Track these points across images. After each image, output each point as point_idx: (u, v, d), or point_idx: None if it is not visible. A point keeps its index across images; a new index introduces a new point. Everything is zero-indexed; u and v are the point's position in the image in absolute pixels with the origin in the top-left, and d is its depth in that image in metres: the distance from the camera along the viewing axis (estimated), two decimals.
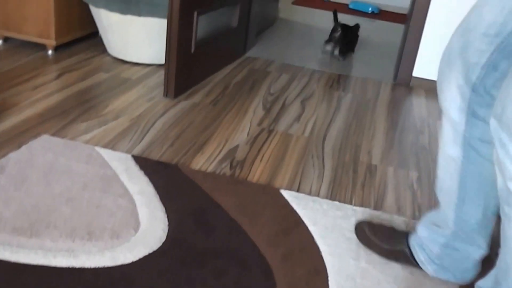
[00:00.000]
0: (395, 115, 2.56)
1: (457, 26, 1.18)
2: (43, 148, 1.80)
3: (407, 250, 1.41)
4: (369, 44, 3.82)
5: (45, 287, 1.20)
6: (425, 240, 1.38)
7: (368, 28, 4.31)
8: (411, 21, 2.88)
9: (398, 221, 1.64)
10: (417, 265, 1.40)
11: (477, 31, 1.10)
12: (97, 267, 1.28)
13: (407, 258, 1.41)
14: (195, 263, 1.34)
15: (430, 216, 1.41)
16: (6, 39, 2.91)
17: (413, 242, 1.41)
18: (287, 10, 4.66)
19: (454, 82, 1.16)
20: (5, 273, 1.22)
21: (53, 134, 1.93)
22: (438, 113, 2.66)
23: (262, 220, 1.56)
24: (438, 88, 1.24)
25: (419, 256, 1.39)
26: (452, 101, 1.18)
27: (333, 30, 3.37)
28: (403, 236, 1.46)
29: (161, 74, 2.70)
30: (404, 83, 3.00)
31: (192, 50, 2.48)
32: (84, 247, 1.34)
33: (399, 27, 4.36)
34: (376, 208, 1.72)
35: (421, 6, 2.83)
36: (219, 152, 1.97)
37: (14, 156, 1.73)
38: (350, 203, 1.73)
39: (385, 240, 1.44)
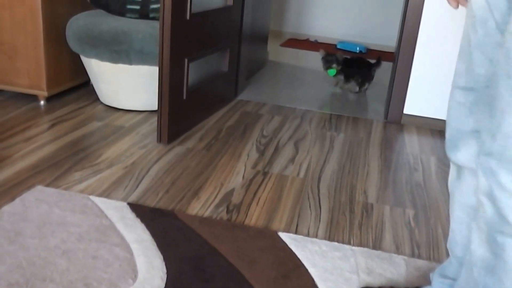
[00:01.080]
0: (388, 153, 2.58)
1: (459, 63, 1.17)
2: (37, 200, 1.79)
3: None
4: None
5: None
6: None
7: None
8: (399, 59, 2.94)
9: (397, 260, 1.63)
10: None
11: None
12: None
13: None
14: None
15: (441, 270, 1.33)
16: None
17: None
18: (276, 52, 4.74)
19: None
20: None
21: (47, 185, 1.92)
22: (431, 149, 2.68)
23: (261, 264, 1.55)
24: (450, 144, 1.22)
25: None
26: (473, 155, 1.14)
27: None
28: None
29: (153, 121, 2.72)
30: (395, 120, 3.04)
31: (184, 96, 2.50)
32: None
33: (388, 65, 4.45)
34: (374, 247, 1.71)
35: (408, 43, 2.90)
36: (215, 197, 1.97)
37: (7, 209, 1.71)
38: (349, 243, 1.72)
39: None
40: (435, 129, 2.96)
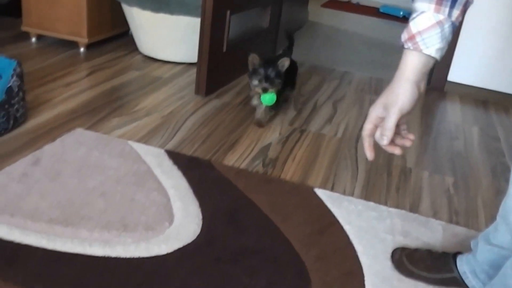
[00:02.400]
0: (429, 120, 2.51)
1: None
2: (77, 142, 1.81)
3: (457, 276, 1.29)
4: (399, 49, 3.77)
5: (81, 274, 1.19)
6: (482, 264, 1.25)
7: (398, 33, 4.26)
8: None
9: (435, 225, 1.60)
10: None
11: None
12: (132, 257, 1.27)
13: (459, 285, 1.29)
14: (228, 260, 1.32)
15: (486, 237, 1.25)
16: (39, 37, 2.95)
17: (465, 268, 1.29)
18: (316, 12, 4.63)
19: None
20: (43, 260, 1.22)
21: (86, 129, 1.94)
22: (474, 119, 2.60)
23: (296, 218, 1.54)
24: None
25: (472, 282, 1.27)
26: None
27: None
28: (448, 261, 1.33)
29: (191, 73, 2.70)
30: (438, 87, 2.95)
31: (224, 49, 2.47)
32: (119, 238, 1.33)
33: None
34: (411, 211, 1.68)
35: None
36: (251, 151, 1.95)
37: (48, 149, 1.73)
38: (385, 205, 1.69)
39: (429, 269, 1.33)
40: (479, 99, 2.87)
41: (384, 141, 0.93)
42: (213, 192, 1.61)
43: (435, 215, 1.67)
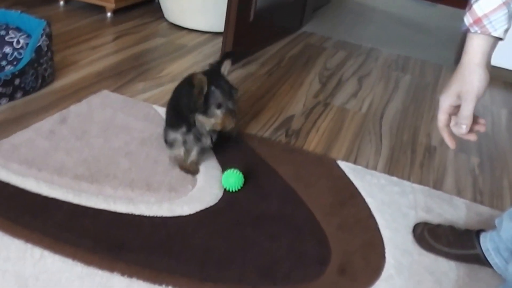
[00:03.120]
0: None
1: None
2: (103, 103, 1.82)
3: (480, 253, 1.28)
4: (428, 29, 3.70)
5: (105, 228, 1.21)
6: (506, 242, 1.23)
7: (428, 13, 4.18)
8: None
9: (458, 202, 1.58)
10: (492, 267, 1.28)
11: None
12: (155, 215, 1.29)
13: (480, 261, 1.29)
14: (250, 224, 1.33)
15: (511, 213, 1.24)
16: (67, 1, 2.95)
17: (488, 245, 1.27)
18: None
19: None
20: (68, 213, 1.24)
21: (112, 92, 1.95)
22: (502, 101, 2.55)
23: (318, 188, 1.53)
24: None
25: (495, 259, 1.26)
26: None
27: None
28: (470, 237, 1.31)
29: (216, 43, 2.68)
30: None
31: (251, 19, 2.45)
32: (143, 197, 1.34)
33: (461, 13, 4.21)
34: (435, 188, 1.66)
35: None
36: (275, 121, 1.95)
37: (74, 110, 1.75)
38: (408, 180, 1.68)
39: (451, 245, 1.32)
40: (508, 81, 2.81)
41: (463, 130, 0.92)
42: (235, 158, 1.62)
43: (459, 193, 1.66)
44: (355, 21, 3.62)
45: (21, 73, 1.74)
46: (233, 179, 1.42)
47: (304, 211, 1.42)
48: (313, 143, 1.83)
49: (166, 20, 2.92)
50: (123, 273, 1.09)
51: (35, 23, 1.92)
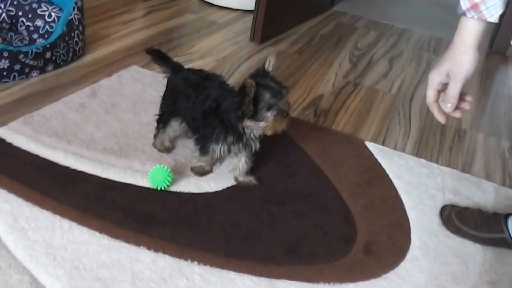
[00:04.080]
0: (488, 83, 2.41)
1: None
2: (133, 78, 1.83)
3: (507, 237, 1.26)
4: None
5: (132, 202, 1.23)
6: None
7: None
8: None
9: (487, 186, 1.56)
10: None
11: None
12: (182, 191, 1.30)
13: (508, 245, 1.27)
14: (276, 201, 1.33)
15: None
16: None
17: None
18: None
19: None
20: (96, 187, 1.26)
21: (142, 67, 1.96)
22: None
23: (345, 168, 1.53)
24: None
25: None
26: None
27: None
28: (498, 221, 1.29)
29: (247, 20, 2.67)
30: (500, 51, 2.82)
31: None
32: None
33: None
34: (463, 171, 1.64)
35: None
36: (304, 100, 1.93)
37: (104, 83, 1.77)
38: (437, 163, 1.66)
39: (478, 228, 1.30)
40: None
41: (449, 109, 0.94)
42: (262, 137, 1.61)
43: (488, 177, 1.63)
44: (388, 1, 3.55)
45: (52, 46, 1.76)
46: (160, 176, 1.27)
47: (331, 190, 1.42)
48: (341, 123, 1.81)
49: None
50: (149, 247, 1.11)
51: None
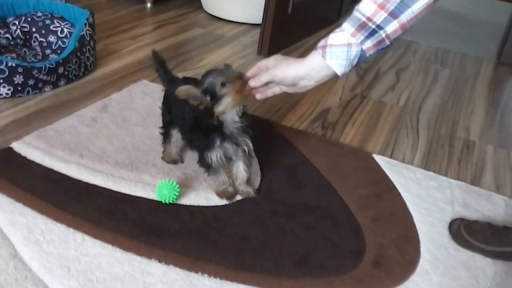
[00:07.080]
0: (497, 94, 2.42)
1: None
2: (142, 92, 1.86)
3: None
4: (471, 22, 3.62)
5: (143, 215, 1.24)
6: None
7: (471, 5, 4.08)
8: None
9: (497, 199, 1.56)
10: None
11: None
12: (192, 205, 1.31)
13: None
14: (285, 214, 1.34)
15: None
16: None
17: None
18: None
19: None
20: (108, 200, 1.28)
21: (152, 81, 1.99)
22: None
23: (354, 181, 1.53)
24: None
25: None
26: None
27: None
28: (509, 235, 1.30)
29: (254, 34, 2.69)
30: (508, 62, 2.82)
31: (289, 10, 2.45)
32: (180, 186, 1.37)
33: (505, 7, 4.10)
34: (473, 183, 1.64)
35: None
36: (311, 113, 1.95)
37: (116, 97, 1.79)
38: (446, 175, 1.66)
39: (488, 242, 1.30)
40: None
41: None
42: (271, 149, 1.63)
43: (498, 189, 1.63)
44: None
45: (65, 61, 1.79)
46: (166, 190, 1.28)
47: (339, 203, 1.43)
48: (349, 136, 1.82)
49: (204, 11, 2.95)
50: (160, 259, 1.12)
51: (79, 13, 1.97)
